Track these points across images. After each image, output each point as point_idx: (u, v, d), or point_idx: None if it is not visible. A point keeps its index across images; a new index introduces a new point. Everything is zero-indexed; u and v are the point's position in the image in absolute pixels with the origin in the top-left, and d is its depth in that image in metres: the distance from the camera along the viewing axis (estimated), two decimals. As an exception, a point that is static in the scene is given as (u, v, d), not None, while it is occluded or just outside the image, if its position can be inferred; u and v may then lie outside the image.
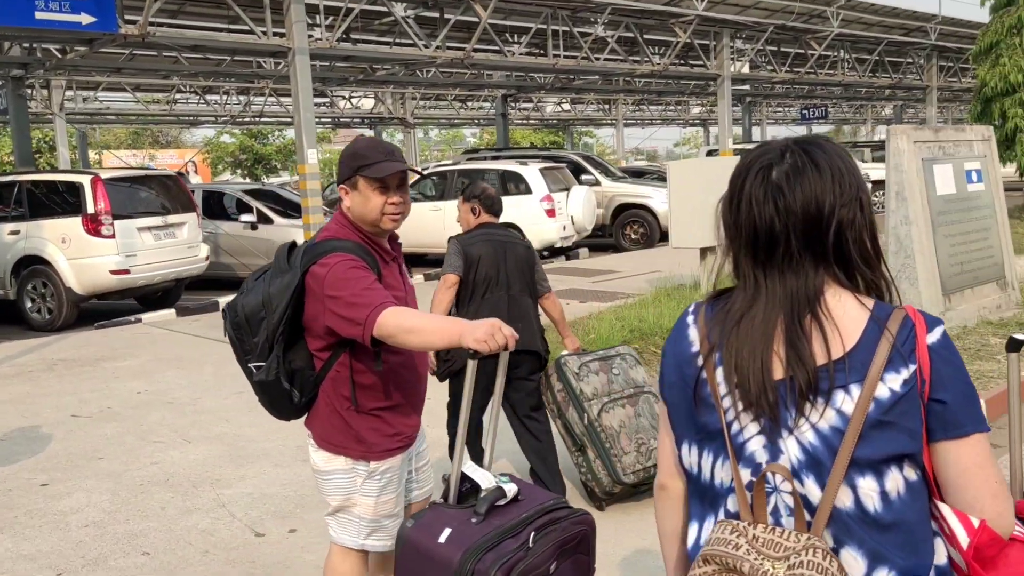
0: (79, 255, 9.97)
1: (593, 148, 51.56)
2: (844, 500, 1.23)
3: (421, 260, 13.82)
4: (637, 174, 19.67)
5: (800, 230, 1.30)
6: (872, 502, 1.23)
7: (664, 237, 15.25)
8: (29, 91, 18.57)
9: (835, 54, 22.01)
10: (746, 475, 1.29)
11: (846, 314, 1.29)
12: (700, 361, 1.36)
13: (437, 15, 14.54)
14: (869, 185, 3.21)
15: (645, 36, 17.52)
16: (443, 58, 14.43)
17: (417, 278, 11.55)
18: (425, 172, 9.27)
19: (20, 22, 9.37)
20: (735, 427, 1.30)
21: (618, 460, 4.06)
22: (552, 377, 4.21)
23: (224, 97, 25.60)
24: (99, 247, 9.96)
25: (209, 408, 6.05)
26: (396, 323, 2.24)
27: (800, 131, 43.61)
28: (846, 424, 1.23)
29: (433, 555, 2.09)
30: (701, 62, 18.84)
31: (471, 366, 2.24)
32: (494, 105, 28.73)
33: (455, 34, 15.47)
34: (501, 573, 1.99)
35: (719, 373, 1.32)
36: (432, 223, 13.07)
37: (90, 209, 9.94)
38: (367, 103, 29.82)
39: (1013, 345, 2.54)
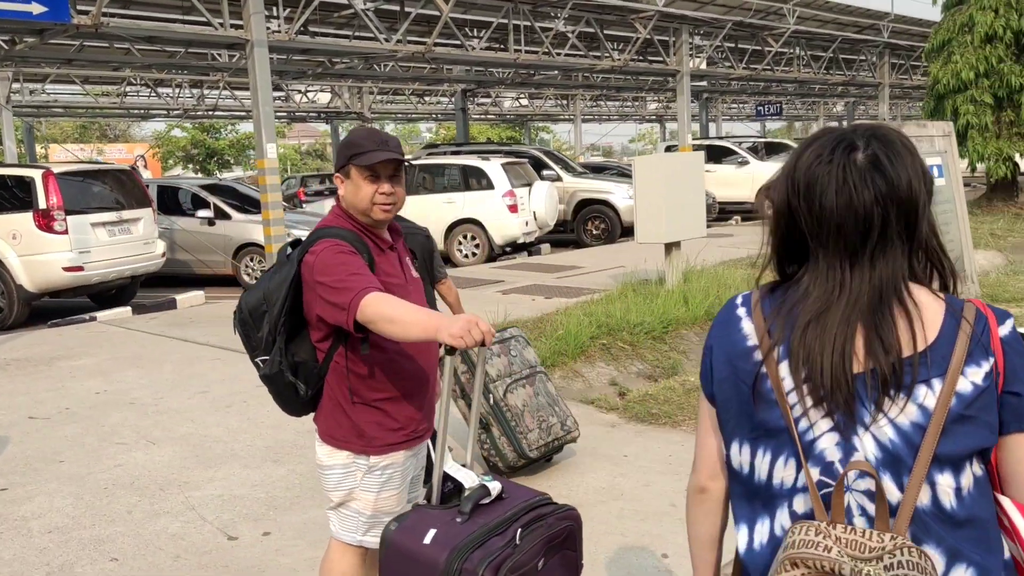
0: (30, 252, 9.67)
1: (550, 144, 51.68)
2: (923, 498, 1.21)
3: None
4: (597, 170, 19.74)
5: (895, 215, 1.25)
6: (949, 499, 1.21)
7: (625, 232, 15.35)
8: (-27, 83, 17.97)
9: (791, 51, 22.31)
10: (815, 474, 1.25)
11: (927, 306, 1.26)
12: (759, 355, 1.30)
13: (397, 8, 14.39)
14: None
15: (605, 32, 17.57)
16: (404, 52, 14.29)
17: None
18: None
19: (-34, 11, 9.04)
20: (803, 424, 1.26)
21: (524, 437, 4.42)
22: (455, 359, 4.29)
23: (176, 90, 25.07)
24: (51, 243, 9.68)
25: (172, 408, 5.89)
26: (376, 310, 2.21)
27: (755, 127, 44.23)
28: (927, 419, 1.20)
29: (418, 557, 2.07)
30: (660, 58, 18.95)
31: (449, 362, 2.22)
32: (453, 100, 28.59)
33: (416, 28, 15.34)
34: (489, 571, 1.98)
35: (783, 367, 1.27)
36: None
37: (42, 204, 9.64)
38: (323, 97, 29.47)
39: None
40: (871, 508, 1.21)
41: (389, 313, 2.19)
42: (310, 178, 28.00)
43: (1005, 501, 1.24)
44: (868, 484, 1.22)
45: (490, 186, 13.79)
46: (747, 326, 1.34)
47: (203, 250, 12.56)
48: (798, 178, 1.30)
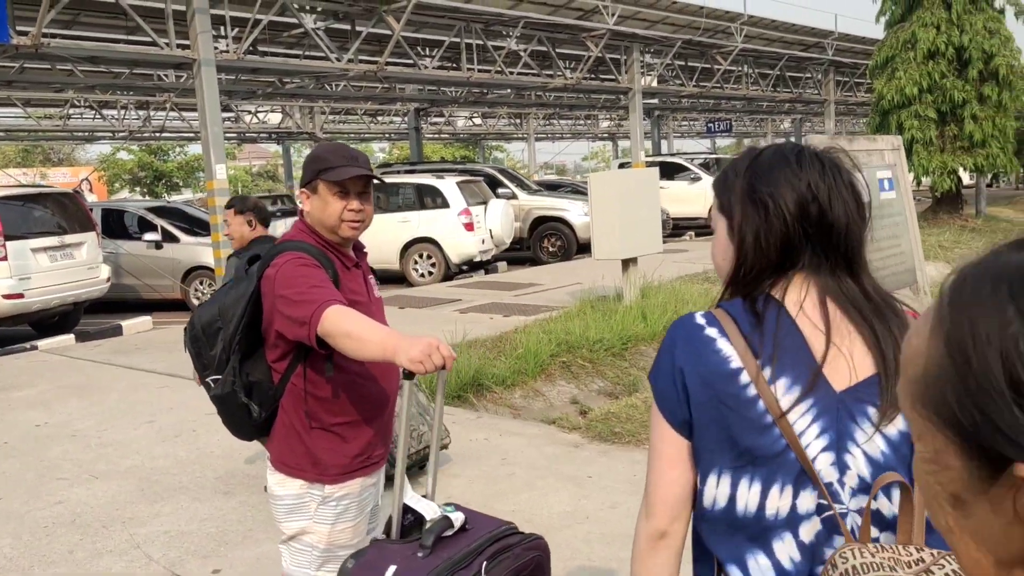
0: (-33, 279, 9.30)
1: (504, 163, 51.78)
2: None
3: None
4: (552, 187, 19.78)
5: (865, 226, 1.29)
6: None
7: (581, 249, 15.35)
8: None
9: (739, 69, 22.66)
10: (814, 497, 1.20)
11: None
12: (746, 377, 1.21)
13: (348, 27, 14.26)
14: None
15: (558, 50, 17.64)
16: (356, 71, 14.16)
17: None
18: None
19: None
20: (804, 446, 1.20)
21: (394, 446, 4.49)
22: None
23: (122, 112, 24.55)
24: (-11, 270, 9.33)
25: (117, 440, 5.65)
26: (336, 323, 2.11)
27: (706, 144, 44.88)
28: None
29: (379, 595, 1.94)
30: (612, 76, 19.09)
31: (408, 387, 2.12)
32: (406, 119, 28.49)
33: (367, 47, 15.22)
34: (455, 608, 1.88)
35: (778, 388, 1.20)
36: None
37: (-21, 230, 9.29)
38: (274, 118, 29.14)
39: None
40: (859, 523, 1.18)
41: (347, 328, 2.10)
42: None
43: None
44: (860, 502, 1.18)
45: (445, 204, 13.69)
46: (725, 346, 1.24)
47: (150, 274, 12.23)
48: (793, 193, 1.27)
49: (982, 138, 15.79)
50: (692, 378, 1.25)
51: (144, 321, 10.19)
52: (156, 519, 4.33)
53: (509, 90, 21.29)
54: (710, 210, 1.41)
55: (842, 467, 1.20)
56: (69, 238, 10.27)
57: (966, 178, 17.92)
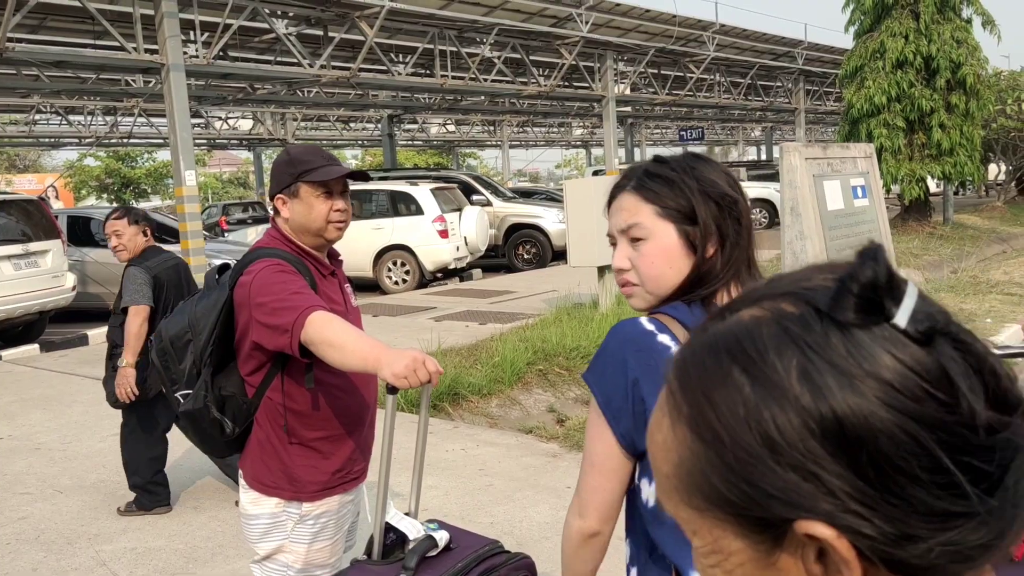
0: (-73, 288, 9.05)
1: (478, 170, 51.74)
2: None
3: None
4: (526, 195, 19.76)
5: None
6: None
7: (556, 256, 15.31)
8: None
9: (711, 77, 22.81)
10: None
11: None
12: None
13: (321, 33, 14.14)
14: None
15: (532, 57, 17.64)
16: (328, 76, 14.02)
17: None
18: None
19: None
20: None
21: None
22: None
23: (89, 117, 24.17)
24: (-50, 278, 9.08)
25: (82, 453, 5.49)
26: (319, 331, 2.01)
27: (678, 152, 45.20)
28: None
29: (360, 619, 1.89)
30: (586, 84, 19.11)
31: (391, 400, 2.03)
32: (379, 126, 28.35)
33: (340, 53, 15.10)
34: (440, 631, 1.83)
35: None
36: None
37: (-61, 237, 9.05)
38: (245, 124, 28.88)
39: None
40: None
41: (330, 336, 2.00)
42: (232, 206, 27.30)
43: None
44: None
45: (419, 211, 13.59)
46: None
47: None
48: (739, 195, 1.33)
49: (950, 146, 15.98)
50: (648, 387, 1.19)
51: (111, 330, 9.97)
52: (123, 535, 4.19)
53: (483, 97, 21.24)
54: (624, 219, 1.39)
55: None
56: (34, 246, 10.03)
57: (933, 186, 18.13)
